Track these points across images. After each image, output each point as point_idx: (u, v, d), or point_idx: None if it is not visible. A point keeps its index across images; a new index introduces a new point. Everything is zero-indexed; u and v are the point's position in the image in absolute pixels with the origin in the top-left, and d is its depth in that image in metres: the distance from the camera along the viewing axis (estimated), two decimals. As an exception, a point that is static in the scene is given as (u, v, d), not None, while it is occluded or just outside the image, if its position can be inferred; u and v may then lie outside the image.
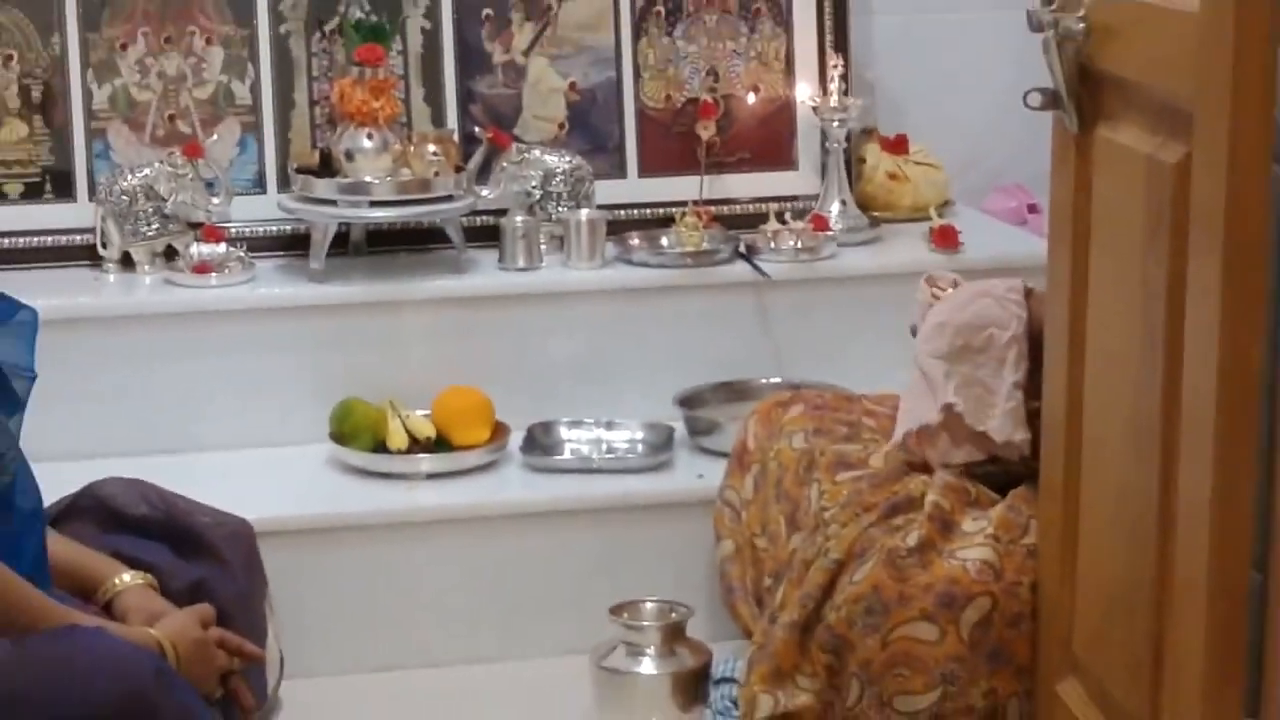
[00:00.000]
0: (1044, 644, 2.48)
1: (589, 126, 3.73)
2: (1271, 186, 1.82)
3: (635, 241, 3.56)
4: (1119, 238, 2.22)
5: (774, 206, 3.65)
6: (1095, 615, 2.33)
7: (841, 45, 3.76)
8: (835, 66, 3.68)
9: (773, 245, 3.53)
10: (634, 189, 3.72)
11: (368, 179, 3.41)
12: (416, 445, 3.21)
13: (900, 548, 2.53)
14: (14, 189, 3.54)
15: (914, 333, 2.79)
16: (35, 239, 3.50)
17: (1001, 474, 2.65)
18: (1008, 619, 2.50)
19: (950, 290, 2.78)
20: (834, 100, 3.65)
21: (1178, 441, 2.01)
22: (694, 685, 2.80)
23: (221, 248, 3.42)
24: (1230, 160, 1.86)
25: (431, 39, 3.67)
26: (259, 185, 3.61)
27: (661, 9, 3.75)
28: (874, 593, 2.51)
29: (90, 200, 3.52)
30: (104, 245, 3.47)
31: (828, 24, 3.77)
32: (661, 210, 3.66)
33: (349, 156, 3.43)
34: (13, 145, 3.51)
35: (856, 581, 2.53)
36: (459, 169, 3.49)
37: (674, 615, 2.85)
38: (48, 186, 3.55)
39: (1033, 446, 2.57)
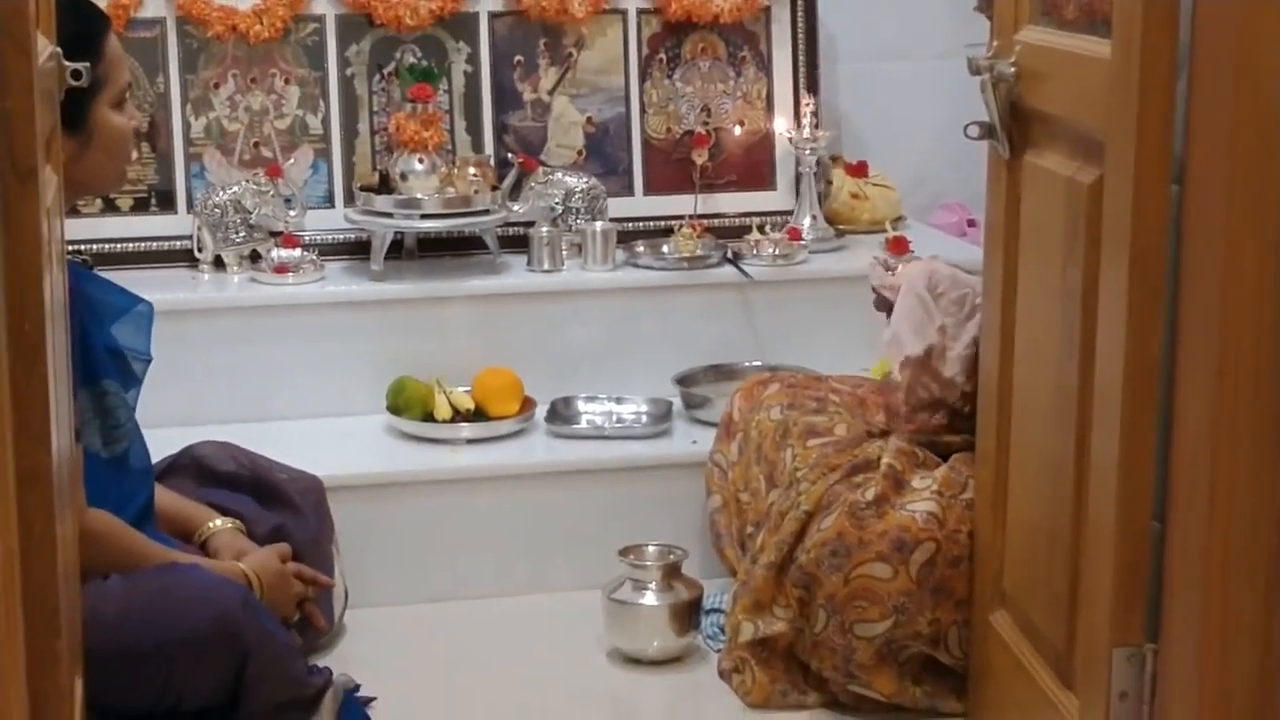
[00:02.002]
0: (979, 581, 2.48)
1: (603, 153, 3.72)
2: (1170, 204, 1.83)
3: (641, 248, 3.55)
4: (1043, 247, 2.22)
5: (756, 220, 3.65)
6: (1022, 558, 2.33)
7: (813, 87, 3.75)
8: (807, 105, 3.68)
9: (755, 252, 3.53)
10: (640, 205, 3.71)
11: (419, 196, 3.41)
12: (459, 416, 3.21)
13: (860, 501, 2.54)
14: (126, 203, 3.53)
15: (876, 300, 2.79)
16: (143, 244, 3.50)
17: (944, 444, 2.66)
18: (949, 560, 2.50)
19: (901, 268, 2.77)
20: (806, 132, 3.64)
21: (1091, 415, 2.02)
22: (688, 614, 2.80)
23: (297, 252, 3.42)
24: (1136, 182, 1.86)
25: (472, 80, 3.66)
26: (328, 201, 3.61)
27: (663, 57, 3.75)
28: (838, 539, 2.52)
29: (188, 212, 3.52)
30: (199, 250, 3.47)
31: (801, 69, 3.76)
32: (663, 223, 3.65)
33: (403, 177, 3.43)
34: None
35: (823, 529, 2.53)
36: (495, 188, 3.49)
37: (672, 557, 2.85)
38: (153, 201, 3.55)
39: (971, 416, 2.57)
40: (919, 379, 2.63)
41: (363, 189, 3.48)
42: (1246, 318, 1.69)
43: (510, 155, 3.61)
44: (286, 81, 3.60)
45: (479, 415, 3.22)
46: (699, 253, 3.52)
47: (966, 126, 2.33)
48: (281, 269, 3.39)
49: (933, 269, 2.70)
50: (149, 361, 2.47)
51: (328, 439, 3.20)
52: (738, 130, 3.75)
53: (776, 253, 3.52)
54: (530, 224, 3.52)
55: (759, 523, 2.72)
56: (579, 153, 3.71)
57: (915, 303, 2.65)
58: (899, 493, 2.55)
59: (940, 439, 2.66)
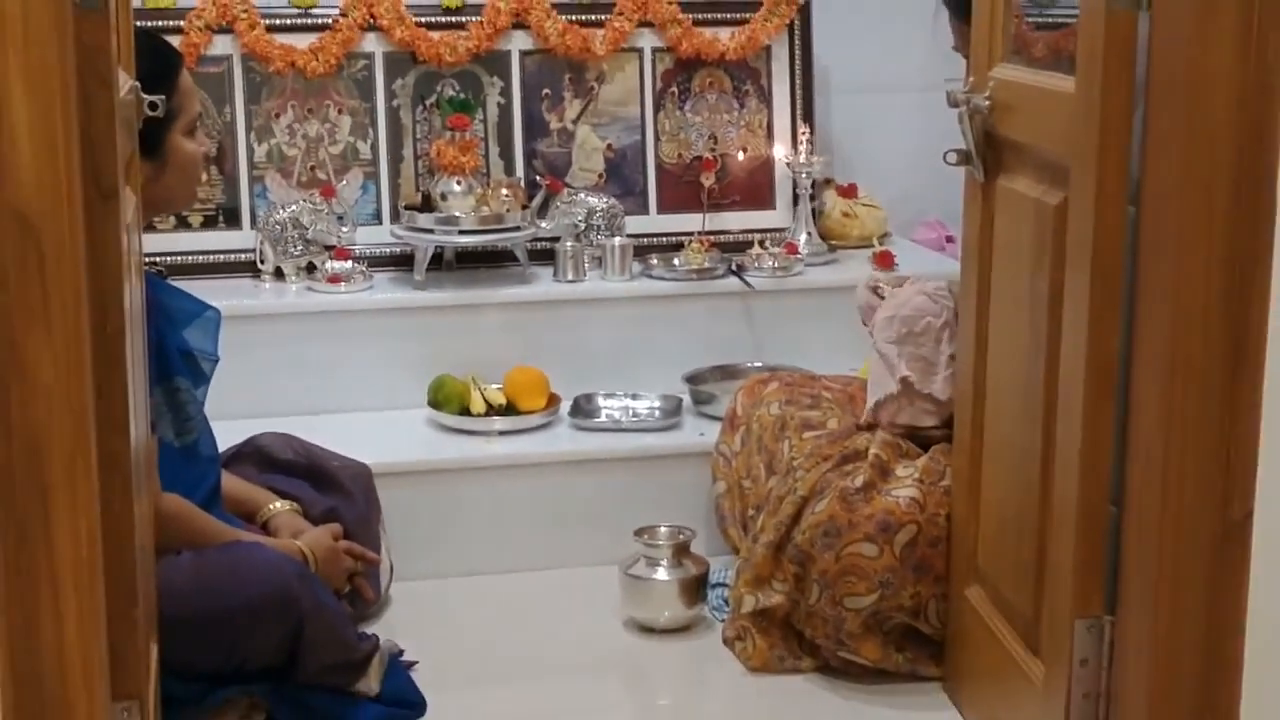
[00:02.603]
0: (955, 559, 2.48)
1: (621, 176, 3.73)
2: (1127, 223, 1.83)
3: (655, 261, 3.55)
4: (1014, 261, 2.22)
5: (757, 236, 3.65)
6: (994, 538, 2.33)
7: (808, 117, 3.75)
8: (803, 133, 3.68)
9: (756, 265, 3.52)
10: (654, 222, 3.71)
11: (457, 214, 3.41)
12: (492, 410, 3.21)
13: (850, 487, 2.54)
14: (196, 220, 3.54)
15: (864, 320, 2.79)
16: (211, 257, 3.51)
17: (925, 435, 2.66)
18: (929, 541, 2.50)
19: (891, 289, 2.77)
20: (802, 157, 3.64)
21: (1056, 410, 2.02)
22: (696, 588, 2.80)
23: (349, 264, 3.43)
24: (1096, 203, 1.86)
25: (505, 111, 3.67)
26: (377, 218, 3.61)
27: (675, 90, 3.75)
28: (830, 521, 2.52)
29: (252, 228, 3.53)
30: (262, 262, 3.47)
31: (798, 101, 3.76)
32: (674, 238, 3.65)
33: (443, 197, 3.43)
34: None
35: (817, 512, 2.53)
36: (525, 207, 3.49)
37: (681, 536, 2.85)
38: (221, 218, 3.56)
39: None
40: (893, 417, 2.63)
41: (407, 208, 3.49)
42: (1195, 323, 1.69)
43: (538, 178, 3.62)
44: (339, 112, 3.61)
45: (510, 409, 3.23)
46: (706, 265, 3.52)
47: (945, 153, 2.33)
48: (334, 279, 3.39)
49: (893, 315, 2.68)
50: (216, 361, 2.47)
51: (375, 430, 3.21)
52: (741, 156, 3.75)
53: (775, 265, 3.52)
54: (556, 239, 3.52)
55: (759, 506, 2.72)
56: (600, 175, 3.72)
57: (877, 359, 2.66)
58: (885, 480, 2.55)
59: (922, 432, 2.66)
